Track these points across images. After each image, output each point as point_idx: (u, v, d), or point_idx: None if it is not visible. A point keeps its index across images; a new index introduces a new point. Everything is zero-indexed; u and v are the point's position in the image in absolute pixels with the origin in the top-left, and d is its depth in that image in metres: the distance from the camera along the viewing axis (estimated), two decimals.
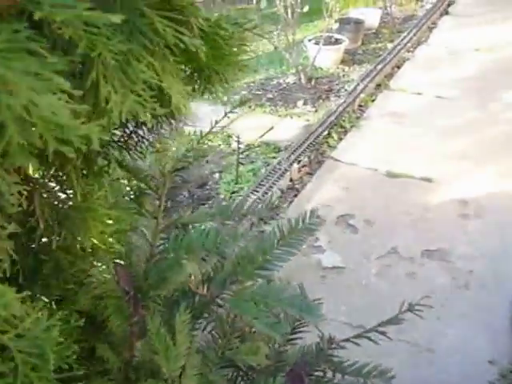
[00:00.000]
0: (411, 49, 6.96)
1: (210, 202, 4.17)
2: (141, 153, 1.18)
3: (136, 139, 1.14)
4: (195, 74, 1.10)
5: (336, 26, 6.23)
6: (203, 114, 4.85)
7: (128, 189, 1.34)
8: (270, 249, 1.20)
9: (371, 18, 7.52)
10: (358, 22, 7.02)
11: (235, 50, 1.08)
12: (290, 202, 4.15)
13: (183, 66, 1.06)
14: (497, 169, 4.45)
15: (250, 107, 5.52)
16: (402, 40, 6.98)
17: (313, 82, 5.91)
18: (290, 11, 5.68)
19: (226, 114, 1.48)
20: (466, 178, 4.35)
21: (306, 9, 5.63)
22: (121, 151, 1.09)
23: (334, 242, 3.75)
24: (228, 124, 1.61)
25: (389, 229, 3.85)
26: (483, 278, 3.46)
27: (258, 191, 4.09)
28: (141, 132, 1.16)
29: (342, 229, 3.87)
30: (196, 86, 1.15)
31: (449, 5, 8.83)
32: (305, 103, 5.52)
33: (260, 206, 3.84)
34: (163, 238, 1.30)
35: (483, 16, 8.25)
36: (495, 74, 6.22)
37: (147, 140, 1.18)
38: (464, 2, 9.17)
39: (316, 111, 5.36)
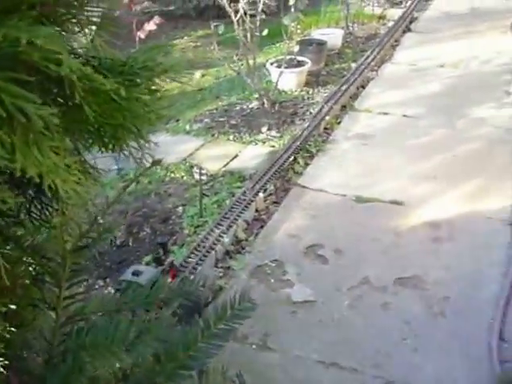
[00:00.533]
0: (375, 68, 6.89)
1: (175, 237, 3.99)
2: (45, 222, 1.00)
3: (39, 206, 0.97)
4: (99, 131, 0.95)
5: (297, 48, 6.12)
6: (164, 145, 4.67)
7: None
8: (193, 343, 1.01)
9: (334, 38, 7.47)
10: (321, 43, 6.94)
11: (144, 98, 0.94)
12: (257, 234, 3.98)
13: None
14: (468, 188, 4.35)
15: (213, 135, 5.38)
16: (366, 59, 6.92)
17: (277, 107, 5.79)
18: (249, 35, 5.56)
19: None
20: (437, 199, 4.23)
21: (265, 32, 5.52)
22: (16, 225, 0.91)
23: (304, 274, 3.59)
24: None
25: (359, 257, 3.70)
26: (459, 305, 3.32)
27: (222, 224, 3.91)
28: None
29: (311, 260, 3.71)
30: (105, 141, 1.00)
31: (411, 22, 8.86)
32: (269, 128, 5.38)
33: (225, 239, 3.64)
34: (65, 334, 1.10)
35: (446, 31, 8.28)
36: (461, 90, 6.19)
37: (51, 207, 1.00)
38: (425, 18, 9.22)
39: (281, 136, 5.23)
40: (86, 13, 1.06)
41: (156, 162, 1.27)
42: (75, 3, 1.02)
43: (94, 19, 1.10)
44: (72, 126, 1.01)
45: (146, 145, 1.10)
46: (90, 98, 0.93)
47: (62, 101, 0.97)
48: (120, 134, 0.97)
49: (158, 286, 1.27)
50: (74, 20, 1.05)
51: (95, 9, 1.08)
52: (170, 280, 3.16)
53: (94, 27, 1.08)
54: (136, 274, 3.05)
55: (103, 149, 1.04)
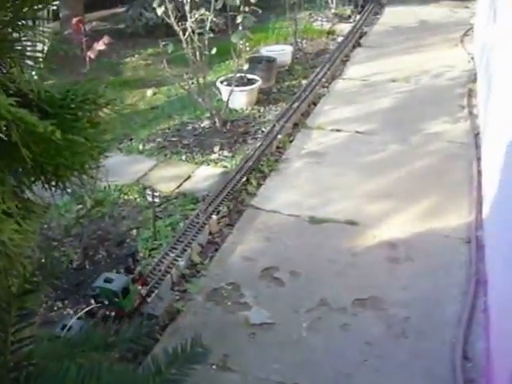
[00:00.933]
0: (326, 84, 6.87)
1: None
2: None
3: None
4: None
5: (247, 66, 6.05)
6: (117, 166, 4.50)
7: None
8: None
9: (283, 54, 7.45)
10: (270, 60, 6.90)
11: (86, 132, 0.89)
12: (211, 258, 3.88)
13: None
14: (424, 206, 4.32)
15: (165, 155, 5.27)
16: (316, 75, 6.90)
17: (228, 126, 5.71)
18: (198, 54, 5.46)
19: None
20: (393, 218, 4.18)
21: (213, 51, 5.44)
22: None
23: (261, 297, 3.50)
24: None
25: (316, 279, 3.62)
26: (420, 325, 3.26)
27: (176, 248, 3.82)
28: None
29: (267, 282, 3.62)
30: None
31: (360, 36, 8.91)
32: (221, 148, 5.28)
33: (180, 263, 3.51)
34: (14, 379, 1.00)
35: (396, 46, 8.36)
36: (414, 105, 6.21)
37: None
38: (375, 32, 9.30)
39: (233, 156, 5.14)
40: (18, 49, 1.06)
41: (98, 203, 1.25)
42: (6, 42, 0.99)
43: (29, 54, 1.09)
44: (13, 165, 1.01)
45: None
46: (27, 138, 0.91)
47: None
48: (62, 171, 0.93)
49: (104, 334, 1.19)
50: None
51: (28, 43, 1.08)
52: (139, 287, 3.30)
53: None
54: (108, 281, 3.14)
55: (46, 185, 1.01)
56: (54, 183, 1.09)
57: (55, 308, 3.47)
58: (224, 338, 3.20)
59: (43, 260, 1.41)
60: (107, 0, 11.96)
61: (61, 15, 9.39)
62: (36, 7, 1.03)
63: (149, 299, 3.35)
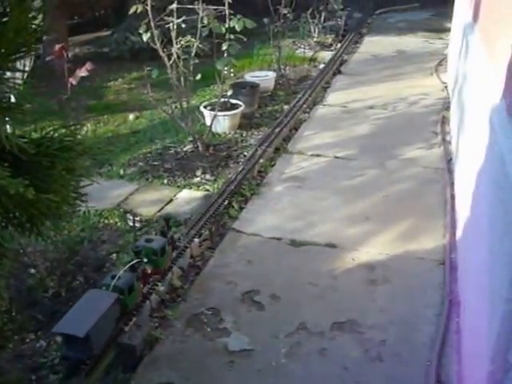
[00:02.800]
0: (307, 110, 7.02)
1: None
2: None
3: None
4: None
5: (231, 91, 6.18)
6: (97, 190, 4.54)
7: None
8: None
9: (266, 80, 7.60)
10: (254, 86, 7.04)
11: (60, 180, 0.90)
12: (192, 282, 3.91)
13: None
14: (400, 229, 4.43)
15: (147, 179, 5.32)
16: (298, 101, 7.05)
17: (211, 150, 5.78)
18: (182, 79, 5.56)
19: None
20: (371, 241, 4.29)
21: (198, 77, 5.53)
22: None
23: (240, 322, 3.53)
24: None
25: (296, 303, 3.67)
26: (395, 348, 3.32)
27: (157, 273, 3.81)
28: None
29: (247, 307, 3.65)
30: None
31: (341, 64, 9.12)
32: (204, 172, 5.36)
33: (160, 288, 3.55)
34: None
35: (374, 74, 8.57)
36: (391, 131, 6.37)
37: None
38: (355, 60, 9.52)
39: (215, 180, 5.21)
40: None
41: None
42: None
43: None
44: None
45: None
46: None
47: None
48: (36, 220, 0.93)
49: None
50: None
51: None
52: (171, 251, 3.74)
53: None
54: (148, 241, 3.55)
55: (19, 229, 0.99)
56: (28, 229, 1.08)
57: (27, 340, 3.39)
58: (202, 367, 3.20)
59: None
60: (92, 23, 12.09)
61: (44, 38, 9.45)
62: (14, 57, 1.02)
63: (126, 328, 3.27)
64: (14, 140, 0.77)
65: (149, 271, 3.51)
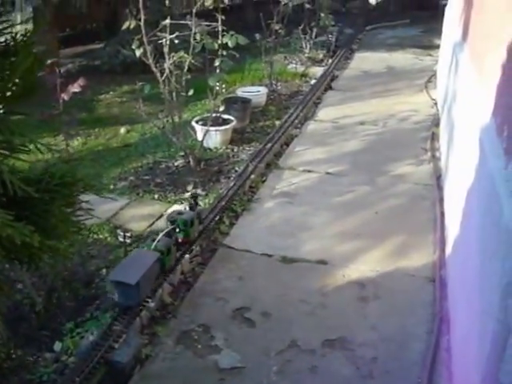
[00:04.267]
0: (299, 125, 7.06)
1: (98, 302, 3.85)
2: None
3: None
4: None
5: (223, 107, 6.20)
6: (88, 204, 4.51)
7: None
8: None
9: (258, 95, 7.64)
10: (245, 101, 7.07)
11: (60, 215, 0.91)
12: (183, 298, 3.89)
13: None
14: (391, 246, 4.45)
15: (138, 194, 5.31)
16: (290, 117, 7.09)
17: (202, 164, 5.80)
18: (174, 94, 5.58)
19: None
20: (362, 257, 4.30)
21: (190, 92, 5.56)
22: None
23: (231, 339, 3.52)
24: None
25: (287, 320, 3.67)
26: (387, 365, 3.32)
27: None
28: None
29: (238, 324, 3.65)
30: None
31: (332, 80, 9.18)
32: (195, 187, 5.36)
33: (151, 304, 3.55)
34: None
35: (365, 90, 8.63)
36: (381, 147, 6.41)
37: None
38: (345, 76, 9.59)
39: (206, 195, 5.22)
40: None
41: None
42: None
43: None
44: None
45: None
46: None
47: None
48: (35, 257, 0.93)
49: None
50: None
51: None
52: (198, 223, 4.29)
53: None
54: (180, 213, 4.15)
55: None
56: (26, 263, 1.09)
57: (13, 356, 3.35)
58: None
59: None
60: (84, 36, 12.10)
61: (35, 50, 9.45)
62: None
63: (116, 345, 3.28)
64: (15, 181, 0.76)
65: (180, 240, 4.10)
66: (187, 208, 4.36)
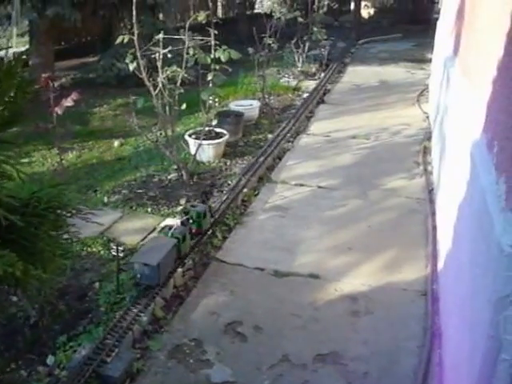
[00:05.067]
0: (291, 139, 7.09)
1: (90, 315, 3.84)
2: None
3: None
4: None
5: (215, 121, 6.23)
6: (81, 218, 4.44)
7: None
8: None
9: (251, 109, 7.67)
10: (238, 115, 7.10)
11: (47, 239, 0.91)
12: (175, 312, 3.89)
13: None
14: (383, 260, 4.46)
15: (131, 207, 5.31)
16: (282, 130, 7.12)
17: (195, 178, 5.81)
18: (167, 108, 5.60)
19: None
20: (354, 271, 4.31)
21: (183, 106, 5.57)
22: None
23: (223, 353, 3.51)
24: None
25: (279, 334, 3.67)
26: (379, 380, 3.32)
27: (139, 303, 3.79)
28: None
29: (230, 338, 3.64)
30: None
31: (324, 93, 9.23)
32: (188, 200, 5.36)
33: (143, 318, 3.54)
34: None
35: (357, 103, 8.68)
36: (373, 161, 6.44)
37: None
38: (338, 90, 9.65)
39: None
40: None
41: None
42: None
43: None
44: None
45: None
46: None
47: None
48: (22, 283, 0.93)
49: None
50: None
51: None
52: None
53: None
54: (193, 206, 4.54)
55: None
56: (13, 286, 1.06)
57: (8, 369, 3.33)
58: None
59: None
60: (79, 49, 12.15)
61: (31, 63, 9.47)
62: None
63: (108, 359, 3.27)
64: (3, 199, 0.76)
65: (193, 230, 4.40)
66: (178, 222, 4.33)
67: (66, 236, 1.01)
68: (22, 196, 0.91)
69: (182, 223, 4.25)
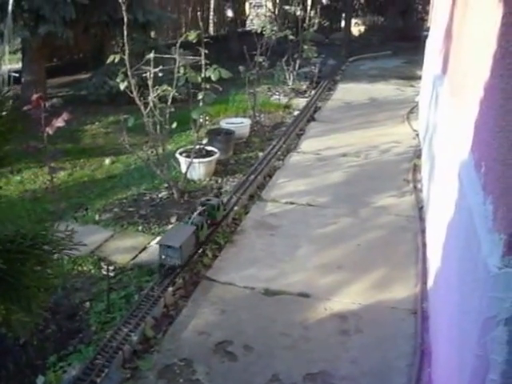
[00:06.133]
0: (282, 157, 7.12)
1: (81, 335, 3.83)
2: None
3: None
4: None
5: (206, 139, 6.26)
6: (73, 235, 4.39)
7: None
8: None
9: (242, 127, 7.71)
10: (229, 133, 7.13)
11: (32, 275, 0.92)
12: (165, 332, 3.87)
13: None
14: (373, 278, 4.47)
15: (122, 226, 5.31)
16: (273, 148, 7.15)
17: (186, 196, 5.82)
18: (158, 127, 5.62)
19: None
20: (343, 290, 4.31)
21: (174, 125, 5.60)
22: None
23: (213, 373, 3.50)
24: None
25: (269, 353, 3.66)
26: None
27: (130, 323, 3.78)
28: None
29: (220, 357, 3.63)
30: None
31: (315, 111, 9.30)
32: (178, 219, 5.37)
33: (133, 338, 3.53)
34: None
35: (347, 121, 8.75)
36: (363, 179, 6.48)
37: None
38: (328, 108, 9.72)
39: None
40: None
41: None
42: None
43: None
44: None
45: None
46: None
47: None
48: (7, 316, 0.94)
49: None
50: None
51: None
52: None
53: None
54: (208, 200, 5.05)
55: None
56: None
57: None
58: None
59: None
60: (71, 66, 12.20)
61: (23, 80, 9.50)
62: None
63: (98, 379, 3.25)
64: None
65: (208, 221, 4.86)
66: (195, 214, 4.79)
67: (49, 271, 1.01)
68: (8, 232, 0.91)
69: (200, 214, 4.73)
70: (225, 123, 7.79)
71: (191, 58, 5.50)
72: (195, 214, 4.69)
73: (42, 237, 0.96)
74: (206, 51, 5.49)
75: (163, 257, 4.30)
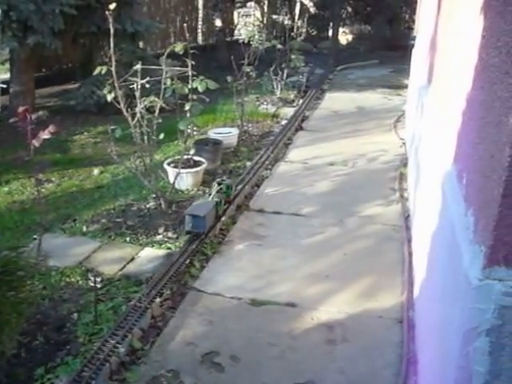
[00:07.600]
0: (269, 166, 7.15)
1: (68, 347, 3.82)
2: None
3: None
4: None
5: (194, 150, 6.28)
6: (60, 247, 4.43)
7: None
8: None
9: (230, 137, 7.73)
10: (216, 143, 7.16)
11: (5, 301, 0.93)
12: (153, 343, 3.87)
13: None
14: (359, 287, 4.50)
15: (110, 237, 5.30)
16: (260, 158, 7.18)
17: (174, 207, 5.82)
18: (146, 138, 5.64)
19: None
20: (330, 299, 4.34)
21: (161, 136, 5.62)
22: None
23: None
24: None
25: (256, 364, 3.67)
26: None
27: (117, 334, 3.78)
28: None
29: (207, 368, 3.63)
30: None
31: (302, 120, 9.35)
32: (166, 229, 5.37)
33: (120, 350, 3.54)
34: None
35: (335, 130, 8.81)
36: (350, 188, 6.52)
37: None
38: (316, 117, 9.77)
39: (177, 238, 5.22)
40: None
41: None
42: None
43: None
44: None
45: None
46: None
47: None
48: None
49: None
50: None
51: None
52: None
53: None
54: (223, 180, 5.79)
55: None
56: None
57: None
58: None
59: None
60: (59, 76, 12.19)
61: (11, 90, 9.48)
62: None
63: None
64: None
65: (223, 199, 5.46)
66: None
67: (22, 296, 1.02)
68: None
69: (217, 191, 5.44)
70: (213, 133, 7.82)
71: (178, 69, 5.53)
72: (214, 191, 5.46)
73: (13, 263, 0.97)
74: (193, 62, 5.51)
75: (190, 225, 4.98)
